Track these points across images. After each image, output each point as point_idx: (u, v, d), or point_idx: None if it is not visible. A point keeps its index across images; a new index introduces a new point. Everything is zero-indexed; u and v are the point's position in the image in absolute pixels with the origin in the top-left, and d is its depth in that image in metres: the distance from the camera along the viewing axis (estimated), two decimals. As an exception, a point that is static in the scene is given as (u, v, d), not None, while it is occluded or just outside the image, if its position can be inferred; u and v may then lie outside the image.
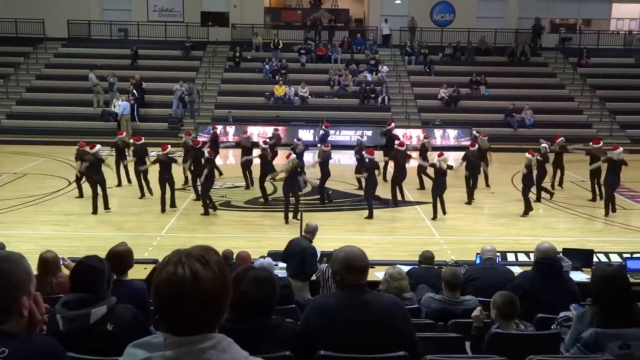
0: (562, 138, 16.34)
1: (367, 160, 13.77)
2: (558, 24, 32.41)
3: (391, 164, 15.29)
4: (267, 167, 14.78)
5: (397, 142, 15.42)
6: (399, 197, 14.77)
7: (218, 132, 19.53)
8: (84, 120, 24.10)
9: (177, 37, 29.30)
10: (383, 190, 14.62)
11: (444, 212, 13.54)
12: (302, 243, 7.92)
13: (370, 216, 13.36)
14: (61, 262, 6.19)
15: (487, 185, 16.16)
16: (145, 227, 12.72)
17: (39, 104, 25.06)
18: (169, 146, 14.17)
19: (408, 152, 15.13)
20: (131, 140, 15.75)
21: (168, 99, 25.14)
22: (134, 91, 24.29)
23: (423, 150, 16.22)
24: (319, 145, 15.53)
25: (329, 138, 18.81)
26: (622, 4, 31.82)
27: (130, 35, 29.67)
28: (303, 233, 8.21)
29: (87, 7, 29.46)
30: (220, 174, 16.60)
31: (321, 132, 18.95)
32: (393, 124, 18.94)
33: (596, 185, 15.11)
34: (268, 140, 16.05)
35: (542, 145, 15.31)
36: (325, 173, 14.49)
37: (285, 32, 30.28)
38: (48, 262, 5.65)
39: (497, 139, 22.36)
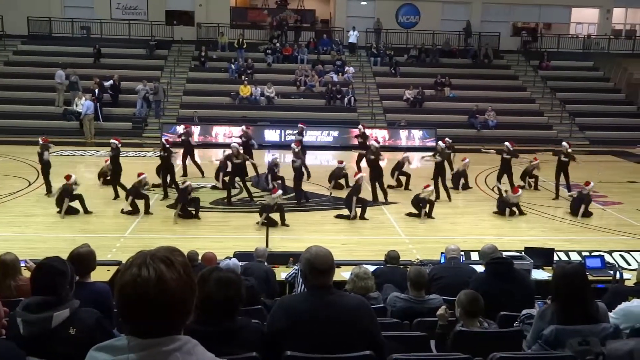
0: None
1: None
2: (520, 28, 33.04)
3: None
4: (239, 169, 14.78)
5: (369, 142, 15.74)
6: (382, 196, 14.88)
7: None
8: (45, 120, 23.56)
9: (142, 36, 28.91)
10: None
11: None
12: (262, 267, 7.81)
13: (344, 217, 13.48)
14: (23, 265, 6.04)
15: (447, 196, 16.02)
16: (108, 228, 12.49)
17: (-3, 103, 24.41)
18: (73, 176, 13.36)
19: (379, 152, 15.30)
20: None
21: (132, 98, 24.77)
22: (96, 90, 23.84)
23: (399, 166, 16.35)
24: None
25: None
26: (582, 9, 32.63)
27: (92, 33, 29.11)
28: (256, 259, 8.12)
29: (48, 3, 28.83)
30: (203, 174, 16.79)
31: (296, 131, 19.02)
32: (362, 126, 19.06)
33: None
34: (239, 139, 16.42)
35: (564, 144, 15.82)
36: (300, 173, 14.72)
37: (251, 32, 30.17)
38: (7, 265, 5.51)
39: (461, 140, 22.72)
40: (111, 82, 24.60)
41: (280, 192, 13.09)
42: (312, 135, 23.30)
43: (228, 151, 15.13)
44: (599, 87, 29.03)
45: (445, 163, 15.74)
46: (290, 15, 32.54)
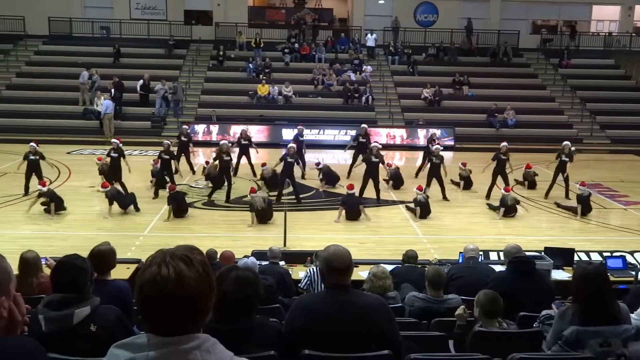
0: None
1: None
2: (539, 25, 32.73)
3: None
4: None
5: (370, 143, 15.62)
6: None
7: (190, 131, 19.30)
8: (65, 119, 23.87)
9: (160, 36, 29.12)
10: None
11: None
12: (277, 269, 7.79)
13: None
14: (44, 262, 6.12)
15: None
16: (128, 226, 12.61)
17: (19, 102, 24.74)
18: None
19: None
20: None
21: (151, 98, 24.97)
22: (112, 90, 24.08)
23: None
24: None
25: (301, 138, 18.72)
26: (603, 6, 32.24)
27: (112, 33, 29.41)
28: (270, 259, 8.10)
29: (68, 4, 29.16)
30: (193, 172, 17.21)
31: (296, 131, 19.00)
32: (366, 126, 18.91)
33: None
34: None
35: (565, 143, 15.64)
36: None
37: (269, 31, 30.23)
38: (29, 262, 5.59)
39: (480, 139, 22.59)
40: (141, 81, 24.82)
41: (259, 193, 13.30)
42: (329, 134, 23.33)
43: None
44: (620, 85, 28.62)
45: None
46: (308, 14, 32.56)
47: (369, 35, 29.43)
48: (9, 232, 11.79)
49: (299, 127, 18.88)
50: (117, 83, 24.38)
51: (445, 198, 14.87)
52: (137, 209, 13.44)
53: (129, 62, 27.66)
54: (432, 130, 19.37)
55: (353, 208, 13.23)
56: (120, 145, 15.17)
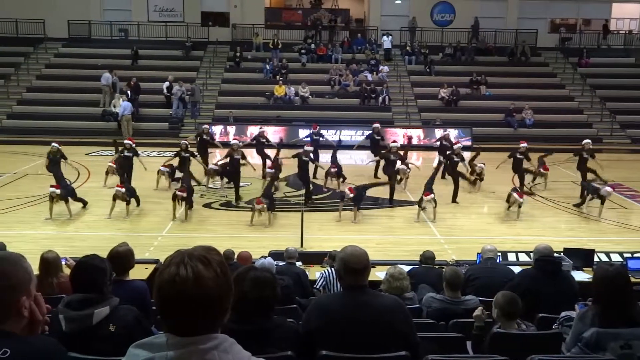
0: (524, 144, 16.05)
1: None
2: (558, 24, 32.41)
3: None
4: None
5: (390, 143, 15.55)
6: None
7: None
8: (85, 120, 24.12)
9: (178, 37, 29.32)
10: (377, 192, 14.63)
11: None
12: (293, 270, 7.79)
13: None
14: (64, 262, 6.19)
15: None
16: (146, 227, 12.71)
17: (39, 104, 25.07)
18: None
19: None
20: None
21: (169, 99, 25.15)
22: (128, 92, 24.29)
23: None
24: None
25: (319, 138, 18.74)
26: (622, 4, 31.83)
27: (130, 35, 29.68)
28: (287, 260, 8.08)
29: (88, 7, 29.46)
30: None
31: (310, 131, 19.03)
32: (378, 125, 18.84)
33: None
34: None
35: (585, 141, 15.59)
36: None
37: (285, 32, 30.28)
38: (49, 262, 5.65)
39: (497, 139, 22.41)
40: (167, 83, 25.03)
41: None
42: (346, 135, 23.30)
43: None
44: (640, 84, 28.28)
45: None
46: (324, 14, 32.56)
47: (385, 37, 29.27)
48: (29, 233, 11.95)
49: (314, 126, 18.92)
50: (133, 85, 24.59)
51: (454, 200, 14.69)
52: (138, 204, 13.74)
53: (147, 64, 27.89)
54: (446, 131, 19.11)
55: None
56: (133, 145, 15.35)
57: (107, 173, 15.67)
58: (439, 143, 18.15)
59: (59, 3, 28.79)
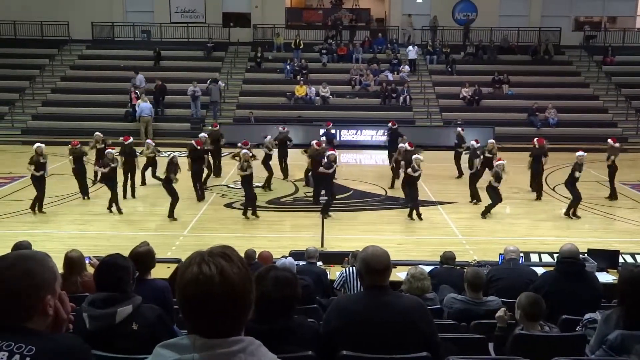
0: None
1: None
2: (582, 22, 31.96)
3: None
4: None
5: (406, 144, 15.22)
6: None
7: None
8: (109, 121, 24.34)
9: (199, 38, 29.52)
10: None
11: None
12: (314, 269, 7.78)
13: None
14: (88, 262, 6.27)
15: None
16: (168, 226, 12.82)
17: (64, 105, 25.44)
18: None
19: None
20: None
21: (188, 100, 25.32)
22: (155, 93, 24.53)
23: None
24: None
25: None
26: (649, 1, 31.29)
27: (152, 36, 29.95)
28: (307, 259, 8.08)
29: (111, 9, 29.81)
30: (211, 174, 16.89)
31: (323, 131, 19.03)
32: (396, 125, 18.69)
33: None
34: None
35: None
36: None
37: (306, 32, 30.31)
38: (73, 261, 5.73)
39: (521, 139, 22.17)
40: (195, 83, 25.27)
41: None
42: (367, 135, 23.26)
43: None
44: (666, 82, 27.74)
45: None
46: (345, 14, 32.52)
47: (410, 47, 28.51)
48: (54, 232, 12.13)
49: (328, 124, 18.99)
50: (159, 86, 24.81)
51: (478, 200, 14.55)
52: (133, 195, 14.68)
53: (169, 64, 28.13)
54: (458, 129, 18.74)
55: None
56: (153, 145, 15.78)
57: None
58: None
59: (83, 5, 29.18)
